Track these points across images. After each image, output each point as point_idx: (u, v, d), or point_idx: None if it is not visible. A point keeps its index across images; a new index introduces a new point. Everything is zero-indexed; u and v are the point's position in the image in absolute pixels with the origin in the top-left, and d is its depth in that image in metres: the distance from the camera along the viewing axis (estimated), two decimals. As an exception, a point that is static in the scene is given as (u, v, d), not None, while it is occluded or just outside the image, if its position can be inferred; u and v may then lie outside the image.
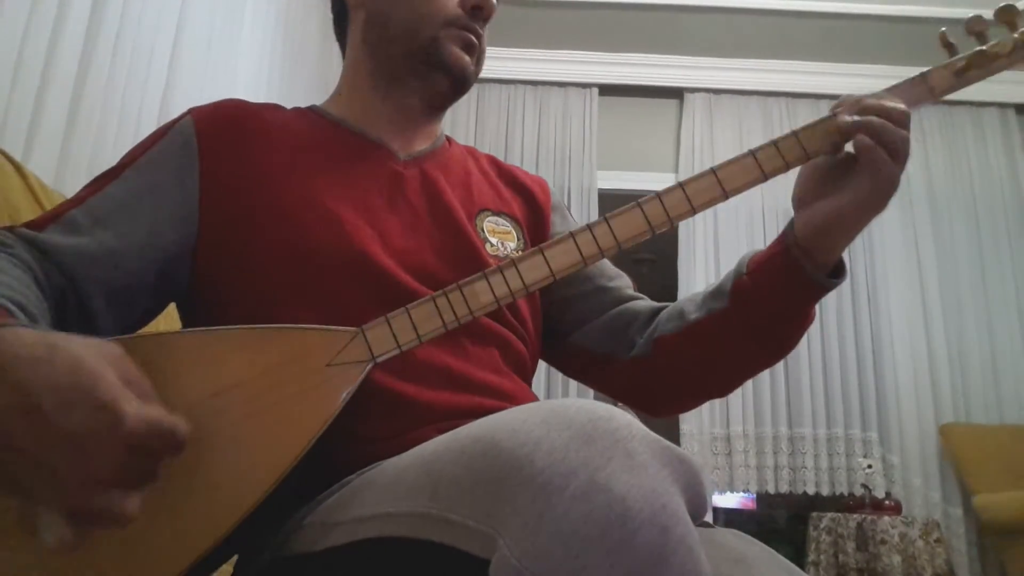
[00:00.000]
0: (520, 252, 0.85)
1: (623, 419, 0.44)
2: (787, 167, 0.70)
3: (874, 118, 0.67)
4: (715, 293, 0.78)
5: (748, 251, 0.78)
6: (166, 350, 0.61)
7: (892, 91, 0.72)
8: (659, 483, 0.41)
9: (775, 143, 0.70)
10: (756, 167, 0.70)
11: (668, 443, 0.45)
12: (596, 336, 0.87)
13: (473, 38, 0.83)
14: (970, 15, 0.72)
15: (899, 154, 0.67)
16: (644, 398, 0.87)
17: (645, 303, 0.89)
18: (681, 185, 0.69)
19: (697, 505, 0.44)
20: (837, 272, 0.73)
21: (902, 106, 0.69)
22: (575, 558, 0.38)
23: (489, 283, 0.66)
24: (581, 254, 0.67)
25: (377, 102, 0.85)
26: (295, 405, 0.60)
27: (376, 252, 0.73)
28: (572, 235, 0.67)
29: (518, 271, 0.66)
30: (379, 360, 0.64)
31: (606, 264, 0.92)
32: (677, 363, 0.81)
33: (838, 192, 0.69)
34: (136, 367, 0.51)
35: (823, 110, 0.72)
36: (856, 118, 0.68)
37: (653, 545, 0.38)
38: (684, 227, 3.61)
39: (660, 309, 0.86)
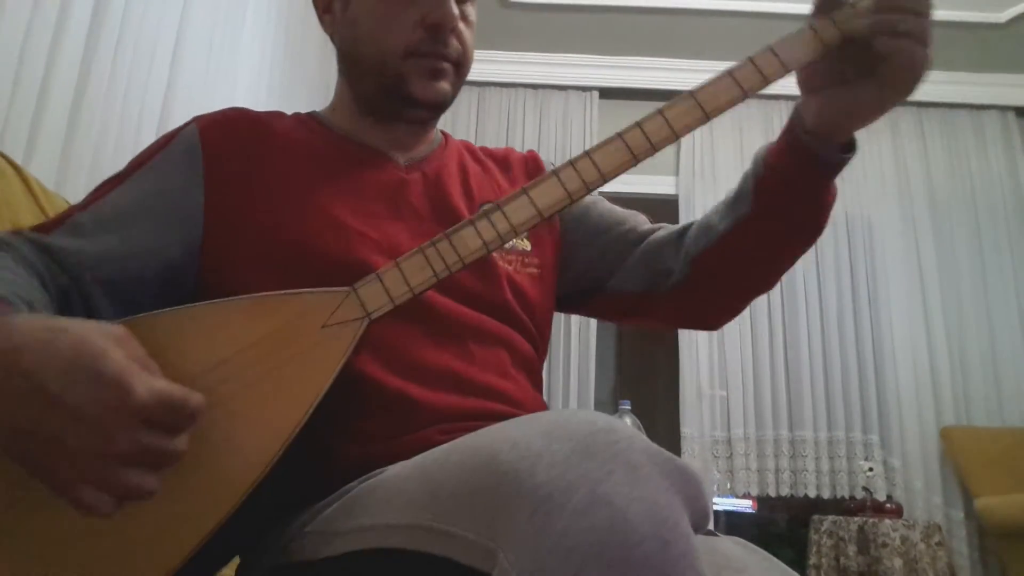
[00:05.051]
0: (525, 240, 0.86)
1: (625, 431, 0.44)
2: (766, 82, 0.72)
3: (890, 16, 0.66)
4: (737, 198, 0.80)
5: (762, 147, 0.79)
6: (161, 327, 0.61)
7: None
8: (661, 496, 0.41)
9: (752, 59, 0.73)
10: (735, 85, 0.72)
11: (669, 454, 0.44)
12: (632, 277, 0.88)
13: (439, 63, 0.80)
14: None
15: (926, 38, 0.66)
16: (694, 318, 0.92)
17: (667, 230, 0.90)
18: (661, 111, 0.71)
19: (699, 516, 0.44)
20: (850, 146, 0.74)
21: None
22: (576, 573, 0.38)
23: (476, 228, 0.65)
24: (566, 189, 0.66)
25: (369, 123, 0.85)
26: (294, 369, 0.60)
27: (379, 263, 0.73)
28: (555, 171, 0.67)
29: (504, 213, 0.66)
30: (374, 316, 0.63)
31: (614, 210, 0.93)
32: (717, 276, 0.84)
33: (856, 79, 0.69)
34: (141, 347, 0.52)
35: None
36: (873, 19, 0.67)
37: (654, 559, 0.38)
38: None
39: (685, 230, 0.88)
